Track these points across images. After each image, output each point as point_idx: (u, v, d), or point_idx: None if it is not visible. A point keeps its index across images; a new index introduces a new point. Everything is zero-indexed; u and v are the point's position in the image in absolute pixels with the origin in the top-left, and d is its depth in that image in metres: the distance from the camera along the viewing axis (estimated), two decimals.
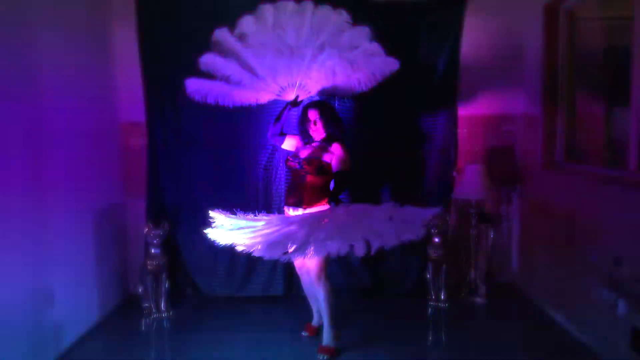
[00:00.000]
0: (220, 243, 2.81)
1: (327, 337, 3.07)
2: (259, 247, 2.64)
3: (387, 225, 2.71)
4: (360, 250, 2.59)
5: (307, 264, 3.04)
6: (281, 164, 3.90)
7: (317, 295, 3.09)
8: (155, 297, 3.69)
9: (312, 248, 2.58)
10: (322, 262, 2.99)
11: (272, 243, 2.63)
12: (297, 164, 3.07)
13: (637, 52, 2.79)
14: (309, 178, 3.03)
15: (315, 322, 3.38)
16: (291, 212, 3.05)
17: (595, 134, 3.75)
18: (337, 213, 2.87)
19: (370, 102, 3.85)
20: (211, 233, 2.85)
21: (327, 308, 3.03)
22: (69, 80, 3.24)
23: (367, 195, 3.76)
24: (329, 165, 3.05)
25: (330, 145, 3.10)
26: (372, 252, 2.60)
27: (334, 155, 3.06)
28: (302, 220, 2.80)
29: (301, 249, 2.58)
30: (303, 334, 3.36)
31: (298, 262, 3.18)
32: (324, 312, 3.06)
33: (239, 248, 2.71)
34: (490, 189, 3.83)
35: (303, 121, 3.20)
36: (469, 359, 3.11)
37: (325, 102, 3.29)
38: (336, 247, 2.59)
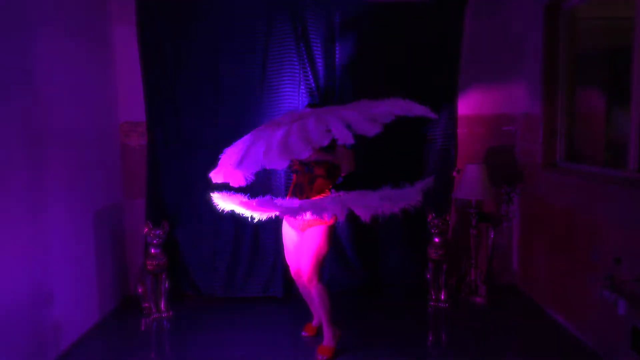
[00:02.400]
0: (223, 208, 2.83)
1: (326, 337, 3.08)
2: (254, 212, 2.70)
3: (383, 199, 2.75)
4: (362, 215, 2.63)
5: (301, 267, 3.06)
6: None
7: (311, 297, 3.10)
8: (155, 297, 3.69)
9: (309, 212, 2.63)
10: (314, 264, 3.00)
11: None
12: (305, 167, 3.08)
13: (637, 52, 2.79)
14: (320, 180, 3.05)
15: (315, 322, 3.38)
16: None
17: (595, 134, 3.75)
18: (337, 194, 2.91)
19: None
20: (215, 197, 2.88)
21: (323, 309, 3.04)
22: (68, 80, 3.24)
23: None
24: (338, 167, 3.10)
25: (333, 147, 3.11)
26: (367, 219, 2.63)
27: (344, 157, 3.10)
28: (303, 202, 2.84)
29: (296, 212, 2.63)
30: (303, 334, 3.36)
31: (293, 267, 3.21)
32: (320, 313, 3.07)
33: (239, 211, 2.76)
34: (490, 189, 3.83)
35: None
36: None
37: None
38: (335, 210, 2.63)
